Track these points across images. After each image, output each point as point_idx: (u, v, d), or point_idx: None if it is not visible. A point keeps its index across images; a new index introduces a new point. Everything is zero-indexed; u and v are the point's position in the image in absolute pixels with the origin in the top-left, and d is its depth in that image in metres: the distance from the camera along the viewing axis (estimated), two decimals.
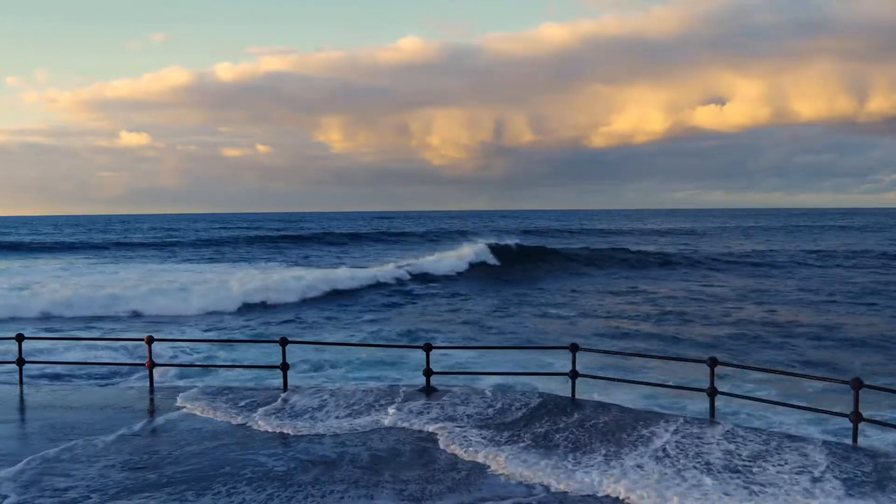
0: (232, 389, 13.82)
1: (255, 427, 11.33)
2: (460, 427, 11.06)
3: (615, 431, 10.74)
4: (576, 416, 11.54)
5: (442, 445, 10.32)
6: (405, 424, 11.32)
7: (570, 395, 12.64)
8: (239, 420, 11.67)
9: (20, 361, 14.16)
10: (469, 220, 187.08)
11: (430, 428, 11.10)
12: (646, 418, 11.38)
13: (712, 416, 11.23)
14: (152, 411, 12.25)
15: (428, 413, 11.84)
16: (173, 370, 17.41)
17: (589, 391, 14.20)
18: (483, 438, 10.51)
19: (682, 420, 11.27)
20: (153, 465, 9.47)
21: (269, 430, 11.19)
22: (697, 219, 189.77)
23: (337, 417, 11.73)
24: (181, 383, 15.83)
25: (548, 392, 13.65)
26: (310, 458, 9.81)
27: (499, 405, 12.25)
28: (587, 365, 14.32)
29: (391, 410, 11.96)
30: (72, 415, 12.03)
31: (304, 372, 18.63)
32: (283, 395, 13.08)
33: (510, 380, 16.92)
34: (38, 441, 10.58)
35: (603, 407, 12.19)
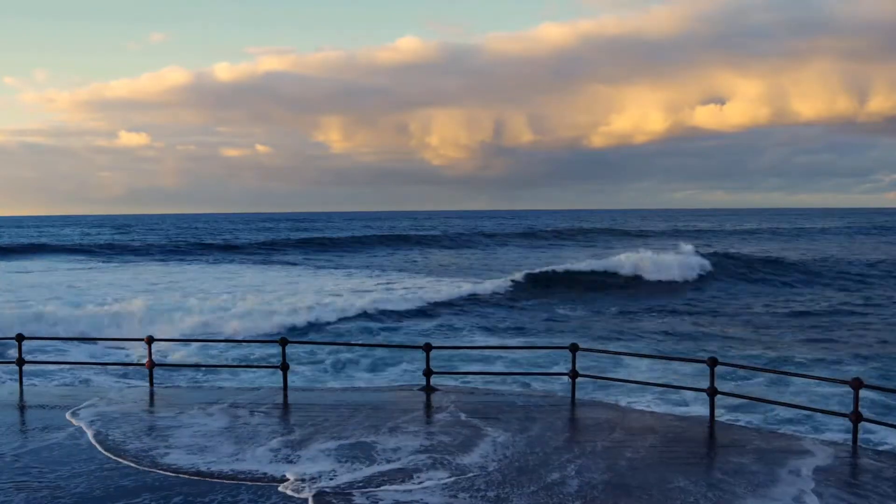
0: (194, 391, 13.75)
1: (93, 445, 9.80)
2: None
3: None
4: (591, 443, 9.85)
5: None
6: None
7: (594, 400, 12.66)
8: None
9: (20, 361, 14.16)
10: (495, 219, 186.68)
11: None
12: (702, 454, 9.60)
13: (712, 415, 11.20)
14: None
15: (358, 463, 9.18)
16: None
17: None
18: None
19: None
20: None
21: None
22: (765, 218, 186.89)
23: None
24: (183, 384, 15.84)
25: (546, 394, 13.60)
26: None
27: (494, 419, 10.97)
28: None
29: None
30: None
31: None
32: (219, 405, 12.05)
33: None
34: None
35: (613, 417, 12.08)
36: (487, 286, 39.67)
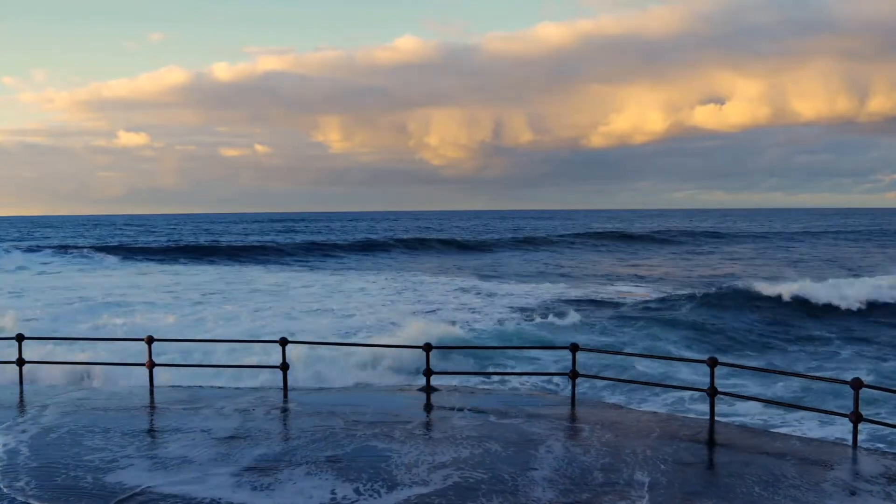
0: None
1: None
2: None
3: None
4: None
5: None
6: None
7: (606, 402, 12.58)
8: None
9: (20, 361, 14.17)
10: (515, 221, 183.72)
11: None
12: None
13: (712, 415, 11.20)
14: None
15: None
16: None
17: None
18: None
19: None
20: None
21: None
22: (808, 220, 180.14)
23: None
24: (183, 384, 15.78)
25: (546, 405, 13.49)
26: None
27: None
28: None
29: None
30: None
31: None
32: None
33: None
34: None
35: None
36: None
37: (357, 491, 7.81)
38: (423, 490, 7.84)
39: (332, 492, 7.79)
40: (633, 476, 8.40)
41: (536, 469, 8.64)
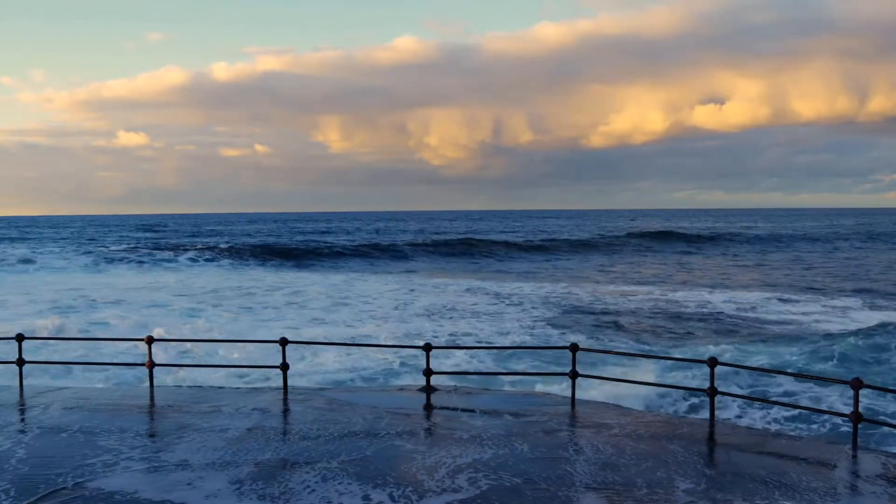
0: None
1: None
2: None
3: None
4: None
5: None
6: None
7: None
8: None
9: (20, 361, 14.15)
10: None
11: None
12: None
13: (712, 416, 11.19)
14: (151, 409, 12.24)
15: None
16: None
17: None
18: None
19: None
20: None
21: None
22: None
23: None
24: (183, 384, 15.81)
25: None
26: None
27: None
28: None
29: None
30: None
31: None
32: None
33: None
34: None
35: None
36: None
37: (391, 497, 7.65)
38: (458, 496, 7.67)
39: (366, 497, 7.67)
40: (668, 479, 8.23)
41: (572, 471, 8.56)
